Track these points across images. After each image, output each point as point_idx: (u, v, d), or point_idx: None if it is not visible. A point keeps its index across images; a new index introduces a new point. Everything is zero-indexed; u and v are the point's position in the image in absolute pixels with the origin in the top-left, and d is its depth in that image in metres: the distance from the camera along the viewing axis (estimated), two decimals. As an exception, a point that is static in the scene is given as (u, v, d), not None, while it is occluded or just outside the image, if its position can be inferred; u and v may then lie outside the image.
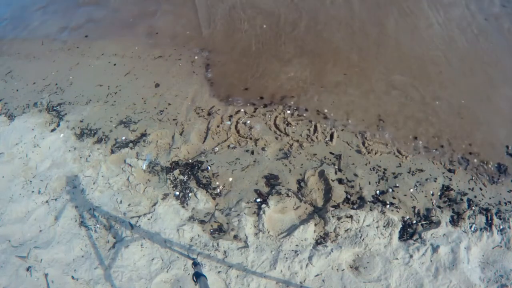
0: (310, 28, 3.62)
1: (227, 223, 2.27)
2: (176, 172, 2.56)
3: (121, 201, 2.44)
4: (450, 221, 2.19)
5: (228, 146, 2.71)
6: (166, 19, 4.15)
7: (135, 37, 3.97)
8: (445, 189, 2.36)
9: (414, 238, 2.13)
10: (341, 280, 1.99)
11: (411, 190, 2.35)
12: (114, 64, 3.67)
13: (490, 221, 2.19)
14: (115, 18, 4.39)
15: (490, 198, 2.32)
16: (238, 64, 3.41)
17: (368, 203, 2.28)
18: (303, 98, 3.00)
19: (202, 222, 2.30)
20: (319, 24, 3.63)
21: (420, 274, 1.98)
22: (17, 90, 3.63)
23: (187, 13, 4.16)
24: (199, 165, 2.61)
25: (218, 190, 2.46)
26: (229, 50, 3.57)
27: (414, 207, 2.27)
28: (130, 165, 2.63)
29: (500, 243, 2.11)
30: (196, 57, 3.57)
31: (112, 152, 2.78)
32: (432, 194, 2.34)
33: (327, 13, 3.74)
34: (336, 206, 2.28)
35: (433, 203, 2.30)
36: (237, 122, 2.87)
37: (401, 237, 2.14)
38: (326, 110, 2.86)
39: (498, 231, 2.15)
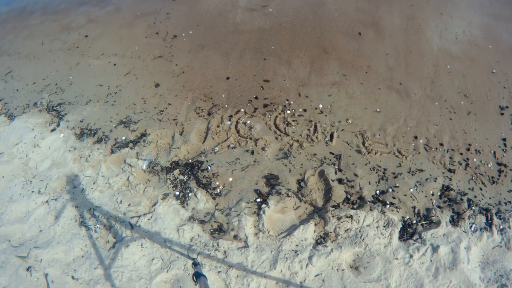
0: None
1: (227, 223, 2.26)
2: (176, 172, 2.56)
3: (121, 201, 2.44)
4: (450, 221, 2.19)
5: (228, 146, 2.71)
6: (166, 19, 4.16)
7: (135, 37, 3.98)
8: (445, 189, 2.36)
9: (414, 238, 2.13)
10: (341, 280, 1.99)
11: (411, 190, 2.35)
12: (114, 64, 3.67)
13: (490, 221, 2.19)
14: (115, 18, 4.40)
15: (490, 198, 2.32)
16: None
17: (368, 203, 2.28)
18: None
19: (202, 222, 2.29)
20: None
21: (420, 274, 1.98)
22: (17, 90, 3.63)
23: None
24: (199, 165, 2.60)
25: (218, 190, 2.45)
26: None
27: (414, 207, 2.27)
28: (130, 165, 2.63)
29: (500, 243, 2.11)
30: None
31: (112, 152, 2.78)
32: (432, 194, 2.34)
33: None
34: (336, 206, 2.28)
35: (433, 203, 2.30)
36: (237, 122, 2.87)
37: (401, 237, 2.14)
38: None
39: (498, 231, 2.15)
